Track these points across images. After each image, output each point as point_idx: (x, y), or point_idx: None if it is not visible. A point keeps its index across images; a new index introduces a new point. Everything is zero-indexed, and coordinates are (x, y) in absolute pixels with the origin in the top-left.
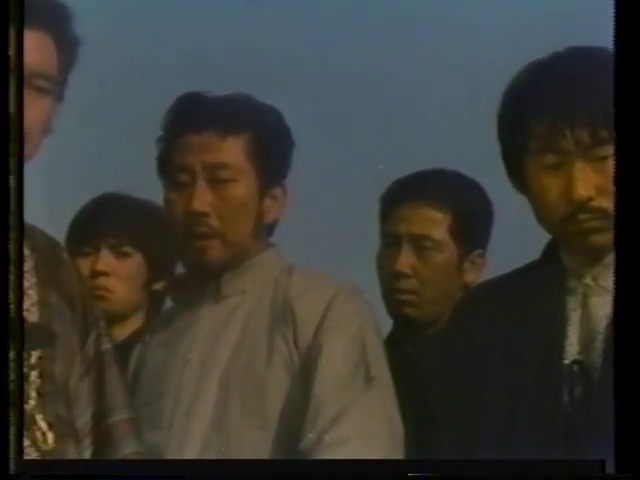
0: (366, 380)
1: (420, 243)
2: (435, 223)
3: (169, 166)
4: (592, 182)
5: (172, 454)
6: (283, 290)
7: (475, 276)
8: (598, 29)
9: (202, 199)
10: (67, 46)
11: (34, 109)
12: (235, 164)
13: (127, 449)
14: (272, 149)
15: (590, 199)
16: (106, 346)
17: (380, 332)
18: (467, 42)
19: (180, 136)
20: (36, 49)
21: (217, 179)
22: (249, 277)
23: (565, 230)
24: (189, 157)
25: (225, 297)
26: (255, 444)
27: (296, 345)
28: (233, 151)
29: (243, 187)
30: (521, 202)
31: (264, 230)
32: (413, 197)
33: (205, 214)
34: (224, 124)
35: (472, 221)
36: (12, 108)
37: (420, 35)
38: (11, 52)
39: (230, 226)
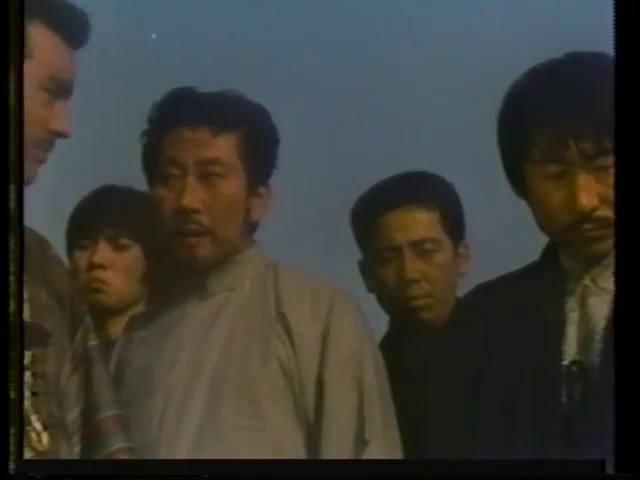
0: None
1: (421, 247)
2: (429, 223)
3: (158, 161)
4: (595, 192)
5: (163, 453)
6: (273, 289)
7: (468, 267)
8: (598, 32)
9: (193, 196)
10: (77, 47)
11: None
12: (226, 161)
13: (115, 445)
14: (262, 148)
15: (594, 209)
16: (92, 342)
17: (377, 352)
18: (465, 45)
19: (171, 131)
20: (55, 54)
21: (208, 175)
22: (235, 274)
23: (568, 238)
24: (180, 153)
25: (212, 294)
26: (248, 445)
27: (295, 355)
28: (225, 148)
29: (233, 185)
30: (520, 204)
31: (249, 228)
32: (400, 202)
33: (195, 211)
34: (217, 121)
35: (455, 213)
36: (12, 103)
37: (418, 37)
38: (11, 49)
39: (220, 223)
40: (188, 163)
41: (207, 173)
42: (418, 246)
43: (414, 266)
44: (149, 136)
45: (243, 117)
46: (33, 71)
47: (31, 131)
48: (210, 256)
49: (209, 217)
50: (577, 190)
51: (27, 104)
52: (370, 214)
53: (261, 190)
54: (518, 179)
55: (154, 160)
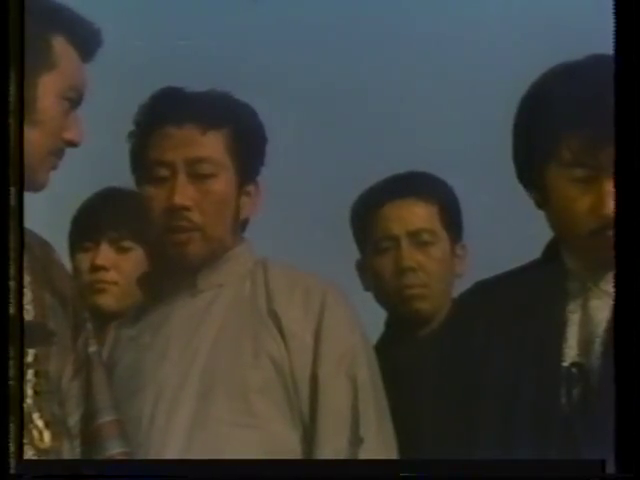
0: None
1: (418, 238)
2: (427, 216)
3: (147, 160)
4: None
5: (154, 451)
6: (264, 286)
7: (464, 267)
8: (599, 34)
9: (183, 193)
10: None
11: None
12: (216, 159)
13: (113, 450)
14: (251, 146)
15: None
16: (92, 348)
17: (370, 347)
18: (465, 46)
19: (159, 130)
20: (76, 65)
21: (198, 173)
22: (224, 271)
23: (591, 244)
24: (169, 151)
25: (201, 291)
26: (240, 442)
27: (287, 352)
28: (214, 146)
29: (223, 182)
30: (518, 205)
31: (239, 226)
32: (399, 195)
33: (186, 208)
34: (204, 119)
35: (454, 212)
36: (12, 103)
37: (418, 38)
38: (11, 49)
39: (210, 221)
40: (177, 162)
41: (196, 171)
42: (415, 236)
43: (411, 255)
44: (138, 137)
45: (231, 115)
46: (57, 81)
47: (49, 139)
48: (200, 253)
49: (199, 214)
50: (605, 195)
51: (48, 113)
52: (369, 207)
53: (250, 188)
54: (538, 183)
55: (144, 160)
